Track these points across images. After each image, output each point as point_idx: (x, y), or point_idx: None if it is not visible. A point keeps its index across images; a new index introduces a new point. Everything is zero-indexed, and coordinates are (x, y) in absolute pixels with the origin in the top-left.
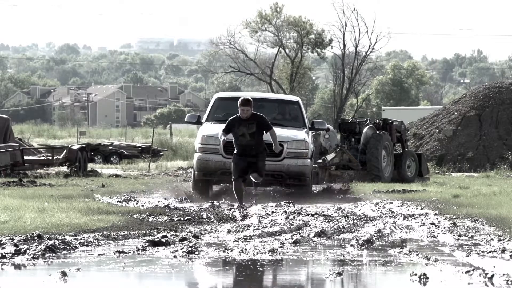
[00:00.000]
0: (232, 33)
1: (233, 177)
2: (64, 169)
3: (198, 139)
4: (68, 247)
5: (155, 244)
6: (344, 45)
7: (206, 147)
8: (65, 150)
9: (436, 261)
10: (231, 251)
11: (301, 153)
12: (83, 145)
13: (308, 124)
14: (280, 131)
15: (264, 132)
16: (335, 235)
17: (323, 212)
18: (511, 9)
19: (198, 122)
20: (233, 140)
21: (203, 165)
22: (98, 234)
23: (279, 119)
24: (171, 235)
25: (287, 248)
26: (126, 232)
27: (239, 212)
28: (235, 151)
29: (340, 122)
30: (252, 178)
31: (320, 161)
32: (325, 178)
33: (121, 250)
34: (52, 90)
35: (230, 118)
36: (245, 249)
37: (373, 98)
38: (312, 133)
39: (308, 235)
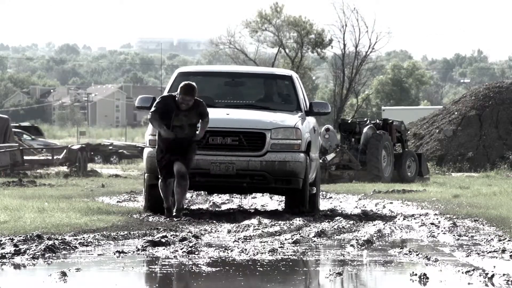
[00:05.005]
0: (232, 33)
1: (160, 177)
2: (64, 169)
3: (149, 129)
4: (68, 247)
5: (155, 244)
6: (344, 45)
7: None
8: (65, 150)
9: (436, 261)
10: (231, 251)
11: (291, 144)
12: (83, 145)
13: (305, 107)
14: (261, 116)
15: (200, 120)
16: (335, 235)
17: (323, 212)
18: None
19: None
20: (161, 130)
21: (155, 165)
22: (98, 234)
23: (264, 100)
24: (171, 235)
25: (287, 248)
26: (126, 232)
27: (239, 212)
28: (159, 145)
29: (340, 122)
30: (174, 169)
31: (320, 161)
32: (325, 178)
33: (121, 250)
34: (52, 90)
35: (163, 97)
36: (245, 249)
37: (373, 98)
38: (311, 118)
39: (308, 235)
